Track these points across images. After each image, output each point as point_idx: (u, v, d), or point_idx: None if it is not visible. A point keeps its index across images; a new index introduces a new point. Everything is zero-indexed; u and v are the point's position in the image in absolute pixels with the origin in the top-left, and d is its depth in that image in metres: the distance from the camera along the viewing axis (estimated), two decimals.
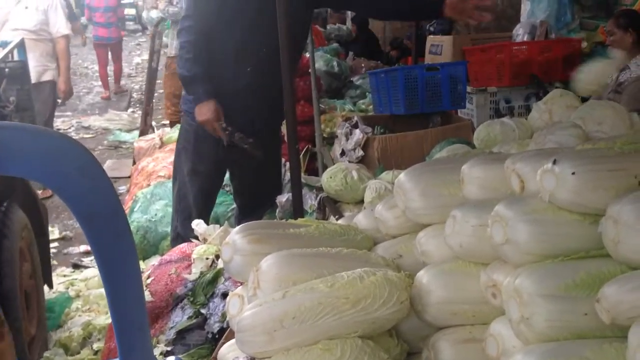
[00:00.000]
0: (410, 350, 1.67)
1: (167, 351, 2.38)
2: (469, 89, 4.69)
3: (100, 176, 1.21)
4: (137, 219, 4.16)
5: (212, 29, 2.99)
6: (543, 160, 1.46)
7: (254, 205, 3.50)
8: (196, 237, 3.09)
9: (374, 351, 1.50)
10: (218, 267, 2.61)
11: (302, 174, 3.75)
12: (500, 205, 1.47)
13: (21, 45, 4.26)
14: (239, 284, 1.99)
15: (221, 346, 1.77)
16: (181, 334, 2.48)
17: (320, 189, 3.09)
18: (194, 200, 3.28)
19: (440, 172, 1.80)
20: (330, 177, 2.89)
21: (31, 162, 1.11)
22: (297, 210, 2.69)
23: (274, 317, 1.46)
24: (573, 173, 1.37)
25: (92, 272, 4.06)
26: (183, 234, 3.27)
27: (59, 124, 9.10)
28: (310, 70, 4.34)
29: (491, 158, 1.76)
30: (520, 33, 5.52)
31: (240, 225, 1.82)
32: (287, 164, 2.99)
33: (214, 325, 2.46)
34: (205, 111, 3.01)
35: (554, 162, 1.41)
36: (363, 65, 6.90)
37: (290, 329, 1.46)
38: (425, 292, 1.59)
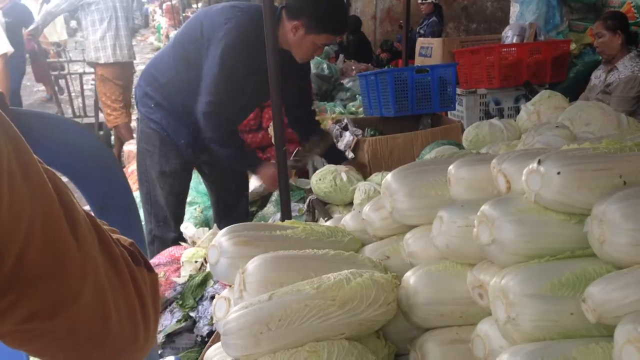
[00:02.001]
0: (397, 351, 1.66)
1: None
2: (458, 90, 4.70)
3: (115, 170, 1.21)
4: None
5: (233, 102, 3.07)
6: (529, 160, 1.46)
7: (230, 204, 3.54)
8: (180, 238, 3.07)
9: (361, 353, 1.49)
10: (207, 270, 2.60)
11: (293, 177, 3.76)
12: (486, 206, 1.46)
13: None
14: (228, 287, 1.98)
15: (208, 349, 1.76)
16: (170, 337, 2.47)
17: (310, 191, 3.09)
18: (166, 202, 3.28)
19: (427, 173, 1.80)
20: (320, 179, 2.89)
21: (52, 149, 1.11)
22: (284, 212, 2.68)
23: (260, 319, 1.45)
24: (558, 173, 1.37)
25: None
26: (161, 235, 3.27)
27: None
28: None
29: (477, 159, 1.75)
30: (509, 35, 5.54)
31: (227, 228, 1.81)
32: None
33: (203, 329, 2.45)
34: (270, 173, 3.13)
35: (539, 162, 1.41)
36: (353, 67, 6.90)
37: (277, 331, 1.44)
38: (412, 293, 1.58)
